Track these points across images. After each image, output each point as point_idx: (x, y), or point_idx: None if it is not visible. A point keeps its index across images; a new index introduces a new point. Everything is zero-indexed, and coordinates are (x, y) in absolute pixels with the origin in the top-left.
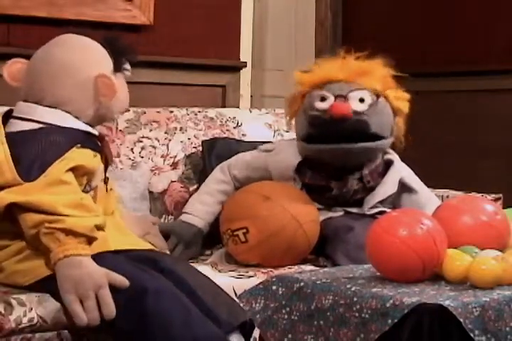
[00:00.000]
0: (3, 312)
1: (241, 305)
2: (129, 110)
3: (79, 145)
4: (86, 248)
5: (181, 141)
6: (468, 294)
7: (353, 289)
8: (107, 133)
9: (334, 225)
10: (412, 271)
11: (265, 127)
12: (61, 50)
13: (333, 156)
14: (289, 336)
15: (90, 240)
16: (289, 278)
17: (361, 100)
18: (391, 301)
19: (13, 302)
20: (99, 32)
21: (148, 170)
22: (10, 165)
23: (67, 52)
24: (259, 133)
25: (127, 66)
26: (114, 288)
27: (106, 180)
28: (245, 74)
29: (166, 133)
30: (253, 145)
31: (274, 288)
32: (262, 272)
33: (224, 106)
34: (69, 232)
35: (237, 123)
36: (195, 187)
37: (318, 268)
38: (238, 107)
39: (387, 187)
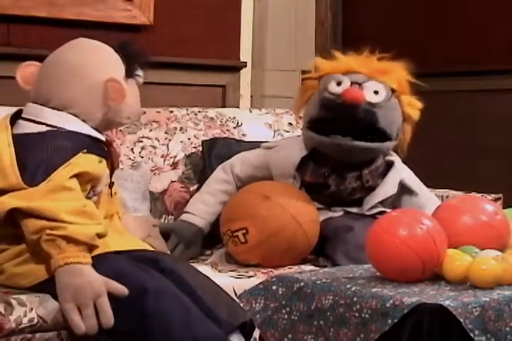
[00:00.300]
0: (3, 312)
1: (241, 305)
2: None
3: (85, 150)
4: (87, 256)
5: (181, 141)
6: (468, 294)
7: (353, 289)
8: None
9: (334, 225)
10: (412, 271)
11: (265, 127)
12: (71, 53)
13: (334, 150)
14: (289, 336)
15: (91, 248)
16: (289, 278)
17: (376, 92)
18: (391, 301)
19: (14, 302)
20: (114, 37)
21: (148, 170)
22: (14, 168)
23: (76, 55)
24: (259, 133)
25: (139, 72)
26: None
27: (111, 185)
28: (245, 74)
29: (166, 133)
30: (253, 146)
31: (274, 288)
32: (262, 272)
33: (224, 106)
34: (70, 240)
35: (237, 123)
36: (195, 187)
37: (318, 268)
38: (238, 107)
39: (388, 187)
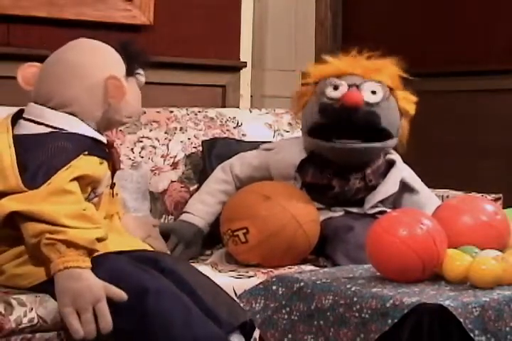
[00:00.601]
0: (3, 312)
1: (241, 305)
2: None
3: (86, 152)
4: (86, 260)
5: (181, 141)
6: (468, 294)
7: (353, 289)
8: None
9: (334, 225)
10: (412, 271)
11: (265, 127)
12: (71, 52)
13: (336, 154)
14: (289, 336)
15: (91, 252)
16: (289, 278)
17: (373, 92)
18: (391, 301)
19: (14, 302)
20: (114, 37)
21: (148, 170)
22: (15, 170)
23: (76, 54)
24: (259, 133)
25: (140, 71)
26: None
27: (112, 186)
28: (245, 74)
29: (166, 133)
30: (253, 145)
31: (274, 288)
32: (262, 272)
33: (224, 106)
34: (70, 244)
35: (237, 123)
36: (195, 187)
37: (318, 268)
38: (238, 107)
39: (389, 186)
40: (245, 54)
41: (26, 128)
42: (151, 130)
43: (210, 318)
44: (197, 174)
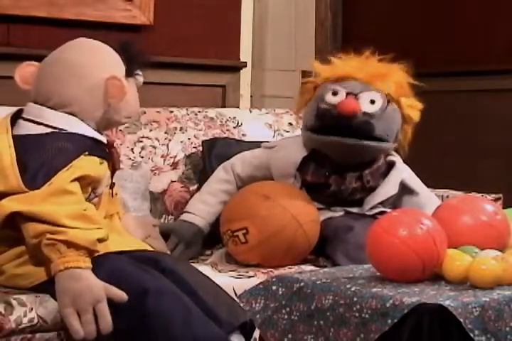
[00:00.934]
0: (3, 312)
1: (241, 305)
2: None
3: (86, 152)
4: (87, 260)
5: (181, 141)
6: (468, 294)
7: (353, 289)
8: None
9: (334, 225)
10: (412, 271)
11: (265, 127)
12: (70, 52)
13: (335, 150)
14: (289, 336)
15: (91, 253)
16: (289, 278)
17: (372, 102)
18: (391, 301)
19: (14, 302)
20: (114, 37)
21: (148, 170)
22: (15, 170)
23: (75, 54)
24: (259, 133)
25: (139, 72)
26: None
27: (112, 186)
28: (245, 74)
29: (166, 133)
30: (253, 146)
31: (274, 288)
32: (262, 272)
33: (224, 106)
34: (70, 244)
35: (237, 123)
36: (195, 187)
37: (318, 268)
38: (238, 107)
39: (389, 188)
40: (245, 54)
41: (26, 128)
42: (151, 130)
43: (210, 318)
44: (197, 174)
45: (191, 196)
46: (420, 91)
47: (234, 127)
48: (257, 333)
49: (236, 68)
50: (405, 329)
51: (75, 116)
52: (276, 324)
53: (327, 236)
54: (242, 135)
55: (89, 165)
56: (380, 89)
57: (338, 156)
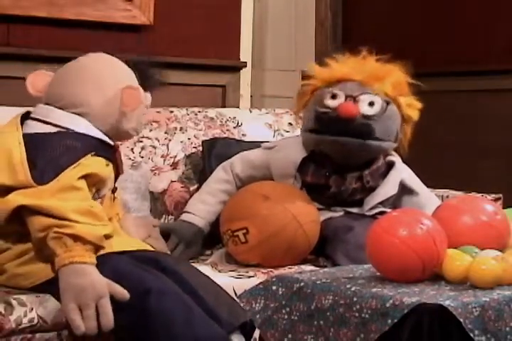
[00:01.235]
0: (3, 312)
1: (241, 305)
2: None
3: (93, 152)
4: (92, 256)
5: (181, 141)
6: (468, 294)
7: (353, 289)
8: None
9: (334, 225)
10: (412, 271)
11: (265, 127)
12: (87, 60)
13: (335, 149)
14: (289, 336)
15: (97, 249)
16: (289, 278)
17: (371, 104)
18: (391, 301)
19: (14, 302)
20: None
21: (148, 170)
22: (24, 166)
23: (93, 62)
24: (259, 133)
25: (148, 94)
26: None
27: (114, 190)
28: (245, 74)
29: (166, 133)
30: (253, 146)
31: (274, 288)
32: (262, 272)
33: (224, 106)
34: (77, 238)
35: (237, 123)
36: (195, 187)
37: (318, 268)
38: (238, 107)
39: (388, 188)
40: (245, 54)
41: (34, 127)
42: (151, 130)
43: (210, 318)
44: (197, 174)
45: (191, 196)
46: (420, 91)
47: (234, 127)
48: (257, 333)
49: (236, 68)
50: (405, 329)
51: (83, 117)
52: (276, 324)
53: (327, 237)
54: (242, 135)
55: (96, 164)
56: (379, 90)
57: (338, 156)
